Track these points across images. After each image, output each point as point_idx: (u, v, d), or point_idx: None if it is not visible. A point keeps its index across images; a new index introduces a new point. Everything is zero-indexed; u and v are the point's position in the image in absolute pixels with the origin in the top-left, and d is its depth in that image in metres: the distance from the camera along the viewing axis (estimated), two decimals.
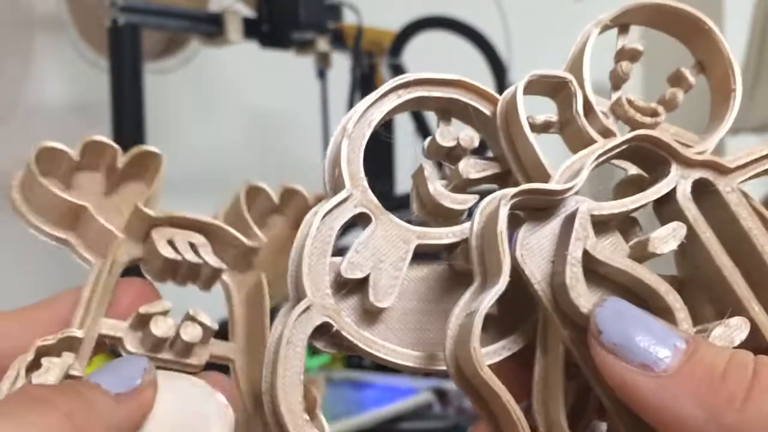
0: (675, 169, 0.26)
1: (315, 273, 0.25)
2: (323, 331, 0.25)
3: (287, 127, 1.56)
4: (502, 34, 1.41)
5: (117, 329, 0.27)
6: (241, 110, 1.53)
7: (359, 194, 0.26)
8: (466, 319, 0.24)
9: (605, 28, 0.28)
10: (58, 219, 0.29)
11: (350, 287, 0.26)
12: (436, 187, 0.27)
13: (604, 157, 0.26)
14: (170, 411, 0.25)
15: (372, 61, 1.34)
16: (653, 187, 0.26)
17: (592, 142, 0.27)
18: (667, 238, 0.25)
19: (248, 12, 1.23)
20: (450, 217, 0.27)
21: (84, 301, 0.27)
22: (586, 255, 0.24)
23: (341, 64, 1.31)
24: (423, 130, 1.30)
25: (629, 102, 0.27)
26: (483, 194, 0.26)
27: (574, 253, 0.24)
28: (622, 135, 0.27)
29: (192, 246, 0.29)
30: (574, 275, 0.24)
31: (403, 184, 1.36)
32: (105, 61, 1.13)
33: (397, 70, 1.32)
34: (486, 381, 0.23)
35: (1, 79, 1.30)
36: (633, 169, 0.28)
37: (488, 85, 0.28)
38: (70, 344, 0.26)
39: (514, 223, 0.25)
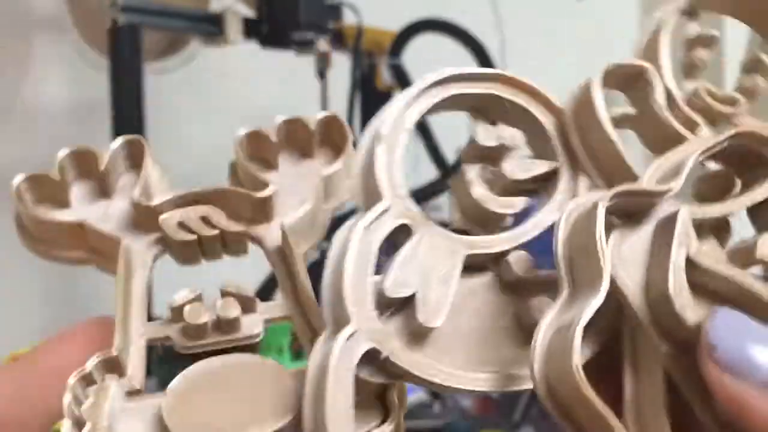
0: None
1: (357, 294, 0.22)
2: (370, 357, 0.22)
3: None
4: (498, 38, 1.41)
5: (162, 330, 0.26)
6: (241, 110, 1.53)
7: (399, 204, 0.24)
8: (557, 335, 0.21)
9: (683, 14, 0.26)
10: (69, 240, 0.28)
11: (396, 307, 0.23)
12: (481, 191, 0.25)
13: (704, 156, 0.24)
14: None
15: (372, 61, 1.34)
16: (759, 187, 0.23)
17: (676, 135, 0.24)
18: None
19: (248, 12, 1.23)
20: (496, 224, 0.25)
21: (118, 319, 0.26)
22: (689, 263, 0.21)
23: (341, 64, 1.30)
24: (423, 129, 1.30)
25: (708, 92, 0.25)
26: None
27: (678, 259, 0.21)
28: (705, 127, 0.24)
29: (205, 219, 0.28)
30: (678, 284, 0.21)
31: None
32: (105, 61, 1.13)
33: (397, 70, 1.32)
34: (590, 402, 0.20)
35: (1, 80, 1.30)
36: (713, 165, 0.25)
37: None
38: (110, 366, 0.24)
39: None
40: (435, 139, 1.30)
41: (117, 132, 1.09)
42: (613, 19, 1.95)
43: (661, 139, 0.24)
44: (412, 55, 1.33)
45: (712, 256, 0.22)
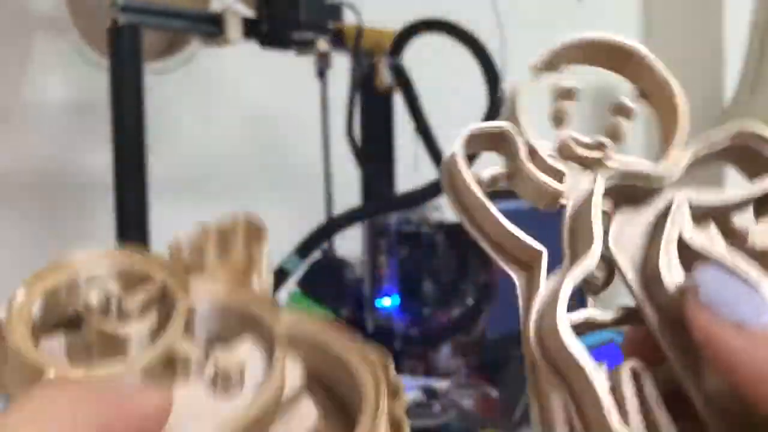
0: None
1: None
2: None
3: (287, 127, 1.56)
4: (498, 38, 1.41)
5: None
6: (241, 110, 1.53)
7: None
8: (549, 293, 0.23)
9: (538, 72, 0.26)
10: None
11: None
12: None
13: (702, 154, 0.25)
14: None
15: (372, 61, 1.34)
16: (756, 183, 0.25)
17: (544, 186, 0.25)
18: (766, 232, 0.24)
19: (248, 12, 1.23)
20: None
21: None
22: (681, 242, 0.23)
23: (341, 64, 1.31)
24: (423, 129, 1.30)
25: (574, 140, 0.26)
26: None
27: (669, 237, 0.23)
28: (571, 175, 0.25)
29: None
30: (668, 259, 0.23)
31: (402, 186, 1.36)
32: (105, 61, 1.13)
33: (397, 70, 1.32)
34: (568, 348, 0.21)
35: (1, 79, 1.30)
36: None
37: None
38: None
39: (606, 218, 0.24)
40: (435, 139, 1.30)
41: (117, 132, 1.09)
42: (613, 19, 1.95)
43: (531, 193, 0.25)
44: (412, 55, 1.34)
45: (708, 240, 0.24)
